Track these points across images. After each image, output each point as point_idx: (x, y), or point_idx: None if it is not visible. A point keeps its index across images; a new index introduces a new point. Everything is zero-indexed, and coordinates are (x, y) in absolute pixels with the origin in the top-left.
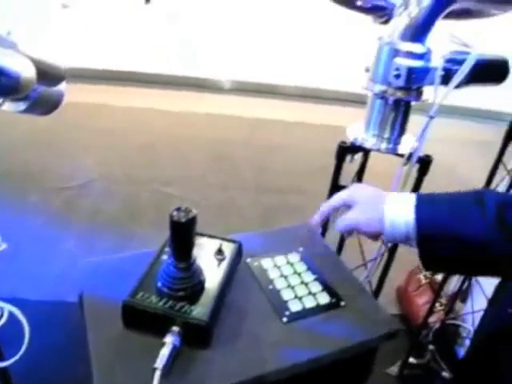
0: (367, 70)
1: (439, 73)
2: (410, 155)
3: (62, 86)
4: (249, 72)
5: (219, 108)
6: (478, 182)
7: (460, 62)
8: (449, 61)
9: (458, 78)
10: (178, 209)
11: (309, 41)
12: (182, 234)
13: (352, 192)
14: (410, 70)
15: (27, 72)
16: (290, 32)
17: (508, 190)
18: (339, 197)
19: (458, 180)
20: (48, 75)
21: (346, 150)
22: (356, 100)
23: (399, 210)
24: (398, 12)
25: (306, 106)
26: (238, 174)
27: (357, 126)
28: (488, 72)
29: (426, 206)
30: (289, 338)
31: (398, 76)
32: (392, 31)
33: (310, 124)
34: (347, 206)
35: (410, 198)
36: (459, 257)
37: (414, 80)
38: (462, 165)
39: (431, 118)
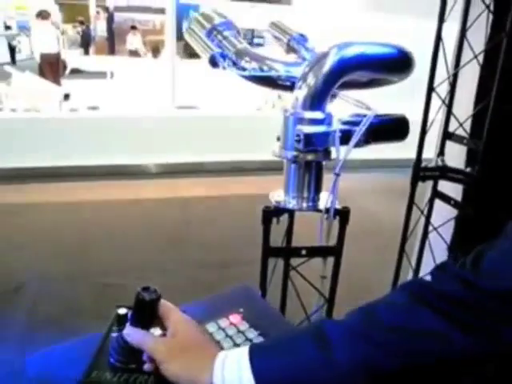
0: (278, 139)
1: (338, 135)
2: (326, 209)
3: None
4: (173, 153)
5: (148, 192)
6: (399, 226)
7: (357, 124)
8: (346, 123)
9: (355, 137)
10: (146, 288)
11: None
12: (148, 312)
13: (167, 367)
14: (308, 135)
15: None
16: (207, 109)
17: (425, 229)
18: (154, 353)
19: (382, 226)
20: None
21: (270, 214)
22: (276, 168)
23: (230, 371)
24: (299, 85)
25: (231, 180)
26: (177, 254)
27: (278, 192)
28: (390, 131)
29: (261, 358)
30: None
31: (298, 141)
32: (295, 102)
33: (237, 196)
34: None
35: (243, 353)
36: None
37: (315, 143)
38: (385, 212)
39: (337, 175)
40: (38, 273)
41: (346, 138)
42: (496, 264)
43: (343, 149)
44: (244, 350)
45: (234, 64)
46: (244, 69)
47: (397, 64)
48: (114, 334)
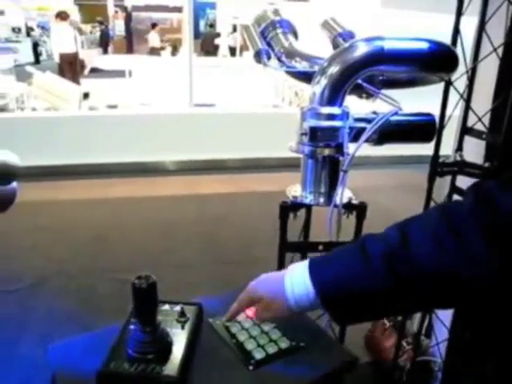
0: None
1: (346, 131)
2: (344, 205)
3: (15, 184)
4: (191, 151)
5: (166, 190)
6: None
7: (371, 121)
8: (360, 120)
9: (365, 135)
10: (139, 277)
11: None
12: (145, 299)
13: (254, 286)
14: (314, 129)
15: None
16: (224, 106)
17: None
18: (244, 297)
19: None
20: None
21: (287, 209)
22: (292, 164)
23: (296, 279)
24: (316, 80)
25: (247, 177)
26: (192, 251)
27: (295, 187)
28: (416, 131)
29: (318, 269)
30: (257, 383)
31: (305, 134)
32: (312, 97)
33: (254, 193)
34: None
35: (304, 265)
36: (365, 308)
37: (321, 137)
38: (400, 209)
39: (344, 172)
40: (53, 271)
41: (357, 135)
42: None
43: (353, 146)
44: (306, 262)
45: (279, 61)
46: (288, 66)
47: (427, 59)
48: (132, 327)
